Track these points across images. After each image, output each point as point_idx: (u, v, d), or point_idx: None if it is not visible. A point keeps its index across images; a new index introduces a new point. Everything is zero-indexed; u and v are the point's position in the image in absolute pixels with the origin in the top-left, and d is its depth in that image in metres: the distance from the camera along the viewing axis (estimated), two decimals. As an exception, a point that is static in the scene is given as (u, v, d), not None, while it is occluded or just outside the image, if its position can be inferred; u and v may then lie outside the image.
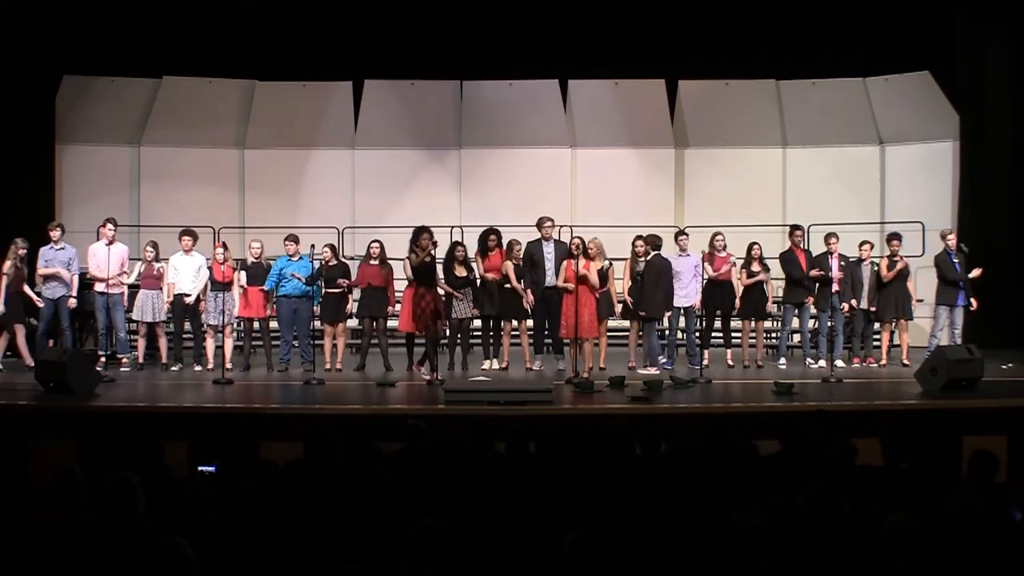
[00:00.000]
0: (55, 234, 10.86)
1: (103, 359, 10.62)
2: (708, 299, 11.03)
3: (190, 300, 10.82)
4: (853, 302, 11.26)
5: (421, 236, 10.23)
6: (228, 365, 10.24)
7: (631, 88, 14.86)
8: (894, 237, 11.45)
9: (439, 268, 10.60)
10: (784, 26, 13.84)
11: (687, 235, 11.46)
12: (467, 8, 13.79)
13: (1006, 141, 13.21)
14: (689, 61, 14.48)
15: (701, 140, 14.87)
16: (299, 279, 10.64)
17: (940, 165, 14.06)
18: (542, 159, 14.71)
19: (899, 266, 11.20)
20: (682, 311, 11.11)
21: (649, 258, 10.87)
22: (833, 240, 11.00)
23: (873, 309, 11.43)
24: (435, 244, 10.36)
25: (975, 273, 11.17)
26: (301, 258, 10.84)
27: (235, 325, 11.15)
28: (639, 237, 11.07)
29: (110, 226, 10.83)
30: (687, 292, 10.98)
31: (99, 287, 10.78)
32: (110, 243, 10.78)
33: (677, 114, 14.93)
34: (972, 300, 11.22)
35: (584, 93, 14.90)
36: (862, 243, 11.47)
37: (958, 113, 13.70)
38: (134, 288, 11.09)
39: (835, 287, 10.86)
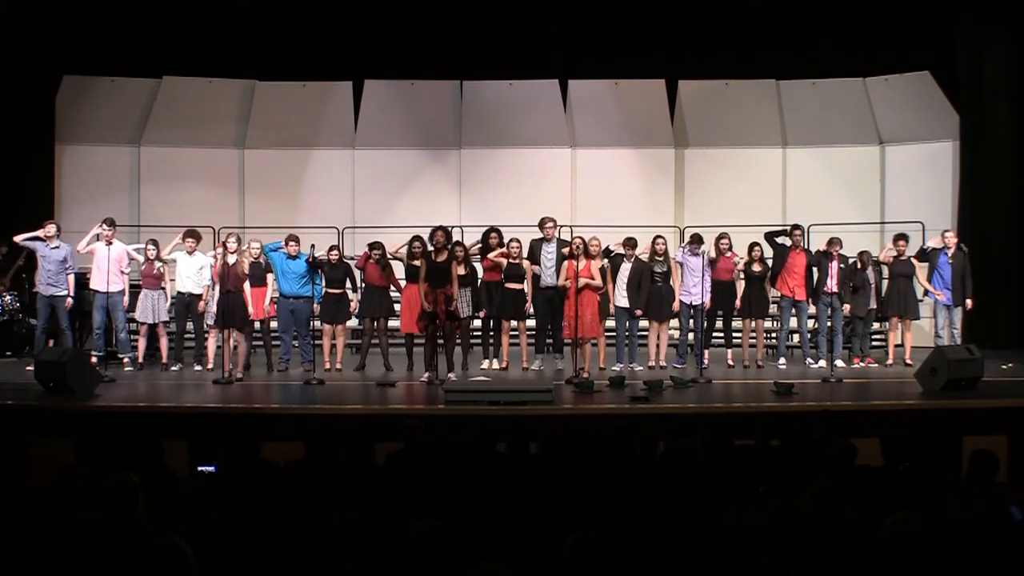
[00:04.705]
0: (50, 230, 10.85)
1: (94, 359, 10.31)
2: (710, 299, 11.03)
3: (203, 305, 10.74)
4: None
5: (436, 234, 10.07)
6: (229, 365, 10.16)
7: (631, 88, 14.86)
8: (900, 238, 11.43)
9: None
10: (784, 26, 13.84)
11: (702, 240, 11.24)
12: (467, 8, 13.79)
13: (1006, 141, 13.20)
14: (689, 61, 14.49)
15: (701, 140, 14.87)
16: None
17: (940, 165, 14.06)
18: (542, 159, 14.71)
19: (883, 256, 11.38)
20: (691, 309, 11.09)
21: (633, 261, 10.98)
22: (836, 247, 10.93)
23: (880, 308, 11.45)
24: (450, 241, 10.19)
25: (967, 305, 11.23)
26: (299, 256, 10.82)
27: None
28: (659, 236, 11.18)
29: (106, 226, 10.81)
30: (699, 290, 10.92)
31: (98, 286, 10.77)
32: (108, 243, 10.77)
33: (677, 114, 14.93)
34: (968, 300, 11.22)
35: (584, 93, 14.90)
36: (861, 253, 11.44)
37: (958, 113, 13.70)
38: (135, 287, 11.08)
39: (834, 287, 10.86)
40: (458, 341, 10.46)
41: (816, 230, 12.83)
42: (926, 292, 11.42)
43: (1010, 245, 13.05)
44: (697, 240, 11.13)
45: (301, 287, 10.76)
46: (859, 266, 11.31)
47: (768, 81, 14.80)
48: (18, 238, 11.01)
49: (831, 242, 10.99)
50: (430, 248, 10.13)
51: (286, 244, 10.88)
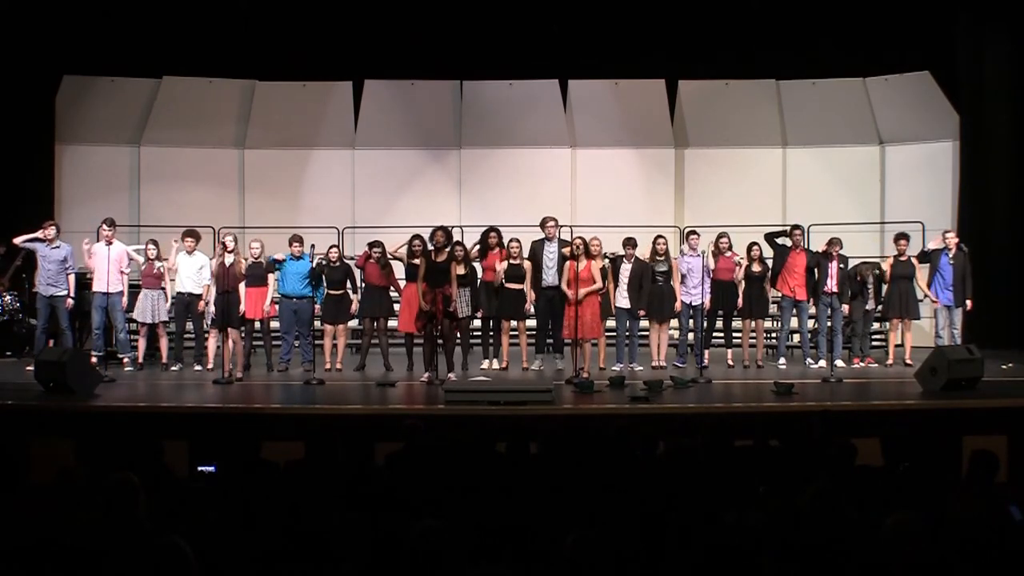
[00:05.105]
0: (50, 232, 10.85)
1: (94, 359, 10.26)
2: (711, 299, 11.03)
3: (203, 305, 10.74)
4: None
5: (437, 234, 10.09)
6: (229, 365, 10.14)
7: (631, 88, 14.86)
8: (902, 237, 11.43)
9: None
10: (784, 26, 13.84)
11: (698, 235, 11.37)
12: (467, 8, 13.79)
13: (1006, 141, 13.20)
14: (689, 61, 14.48)
15: (701, 140, 14.87)
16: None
17: (940, 165, 14.07)
18: (542, 159, 14.71)
19: (888, 264, 11.34)
20: (691, 309, 11.10)
21: (632, 261, 10.98)
22: (836, 248, 10.95)
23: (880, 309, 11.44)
24: (451, 241, 10.19)
25: (966, 306, 11.26)
26: (302, 256, 10.82)
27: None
28: (660, 236, 11.20)
29: (105, 227, 10.82)
30: (698, 291, 10.93)
31: (98, 286, 10.76)
32: (108, 243, 10.77)
33: (677, 114, 14.93)
34: (967, 301, 11.22)
35: (584, 93, 14.90)
36: (859, 265, 11.44)
37: (958, 113, 13.71)
38: (135, 288, 11.08)
39: (834, 287, 10.86)
40: (458, 341, 10.45)
41: (816, 230, 12.84)
42: (929, 282, 11.41)
43: (1010, 245, 13.05)
44: (692, 233, 11.24)
45: (304, 287, 10.75)
46: (859, 278, 11.32)
47: (768, 81, 14.80)
48: (18, 240, 11.00)
49: (831, 242, 11.00)
50: (430, 248, 10.13)
51: (290, 245, 10.89)
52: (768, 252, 11.42)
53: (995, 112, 13.25)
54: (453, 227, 12.86)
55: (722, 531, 3.58)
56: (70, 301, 10.84)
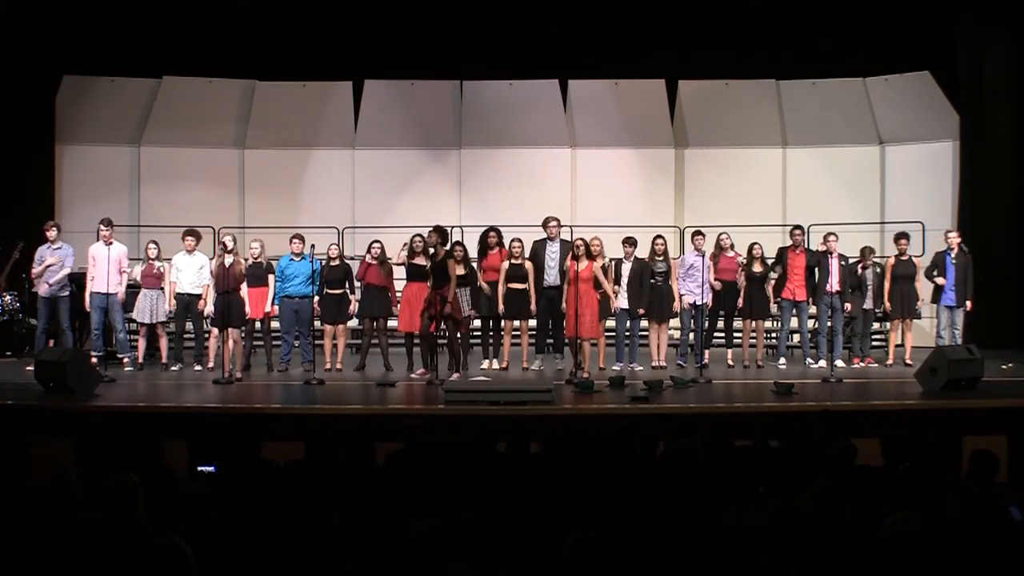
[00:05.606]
0: (51, 234, 10.85)
1: (94, 359, 10.22)
2: (711, 298, 11.03)
3: (203, 305, 10.73)
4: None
5: (431, 235, 10.08)
6: (229, 365, 10.14)
7: (631, 88, 14.86)
8: (902, 237, 11.42)
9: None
10: (784, 26, 13.85)
11: (703, 235, 11.31)
12: (467, 8, 13.79)
13: (1006, 141, 13.21)
14: (689, 61, 14.49)
15: (701, 140, 14.87)
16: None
17: (940, 165, 14.07)
18: (542, 159, 14.71)
19: (890, 263, 11.32)
20: (693, 309, 11.09)
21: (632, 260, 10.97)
22: (832, 240, 10.98)
23: (882, 308, 11.42)
24: (447, 241, 10.20)
25: (966, 307, 11.24)
26: (303, 257, 10.82)
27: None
28: (659, 236, 11.21)
29: (103, 227, 10.81)
30: (699, 290, 10.92)
31: (97, 287, 10.75)
32: (107, 244, 10.75)
33: (677, 114, 14.93)
34: (968, 302, 11.22)
35: (584, 93, 14.90)
36: (863, 249, 11.44)
37: (958, 113, 13.71)
38: (134, 288, 11.06)
39: (836, 287, 10.86)
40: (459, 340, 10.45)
41: (816, 230, 12.82)
42: (935, 299, 11.39)
43: (1010, 245, 13.06)
44: (697, 234, 11.25)
45: (305, 287, 10.75)
46: (860, 264, 11.31)
47: (768, 81, 14.80)
48: (34, 274, 10.95)
49: (826, 238, 11.00)
50: (430, 250, 10.14)
51: (290, 243, 10.89)
52: (769, 252, 11.41)
53: (995, 112, 13.26)
54: (453, 227, 12.89)
55: (722, 531, 3.58)
56: (46, 288, 10.80)
